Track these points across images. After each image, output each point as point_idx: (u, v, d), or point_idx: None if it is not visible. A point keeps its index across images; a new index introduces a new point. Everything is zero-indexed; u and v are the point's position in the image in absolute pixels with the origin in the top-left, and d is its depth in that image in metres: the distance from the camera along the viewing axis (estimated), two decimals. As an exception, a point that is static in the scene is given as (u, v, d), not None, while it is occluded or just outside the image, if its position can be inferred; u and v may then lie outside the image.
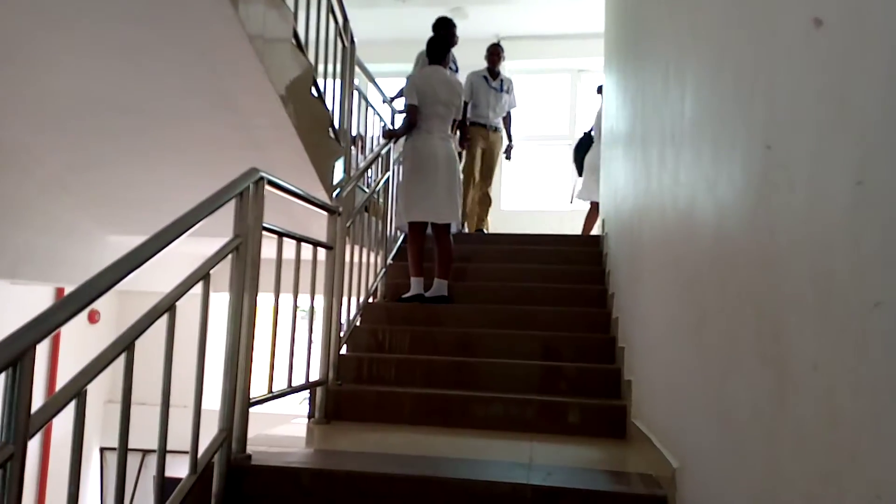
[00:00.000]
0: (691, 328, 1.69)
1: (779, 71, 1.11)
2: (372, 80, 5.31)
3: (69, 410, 1.46)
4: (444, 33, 4.50)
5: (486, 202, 5.70)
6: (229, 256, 2.01)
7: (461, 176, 4.20)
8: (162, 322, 1.73)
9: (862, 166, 0.82)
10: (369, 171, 4.30)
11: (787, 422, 1.03)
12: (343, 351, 3.35)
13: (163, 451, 1.76)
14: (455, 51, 5.57)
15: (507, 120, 5.80)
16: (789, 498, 1.01)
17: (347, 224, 3.18)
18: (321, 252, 2.81)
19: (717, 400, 1.43)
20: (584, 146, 5.78)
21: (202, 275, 1.88)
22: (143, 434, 2.08)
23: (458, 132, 4.71)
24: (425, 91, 3.97)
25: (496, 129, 5.67)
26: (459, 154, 4.93)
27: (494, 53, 5.73)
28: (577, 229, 5.93)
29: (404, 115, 4.09)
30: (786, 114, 1.08)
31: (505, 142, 5.84)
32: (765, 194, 1.15)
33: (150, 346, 1.79)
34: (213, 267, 1.92)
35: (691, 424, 1.67)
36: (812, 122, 0.97)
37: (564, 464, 2.27)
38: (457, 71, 5.28)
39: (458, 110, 4.11)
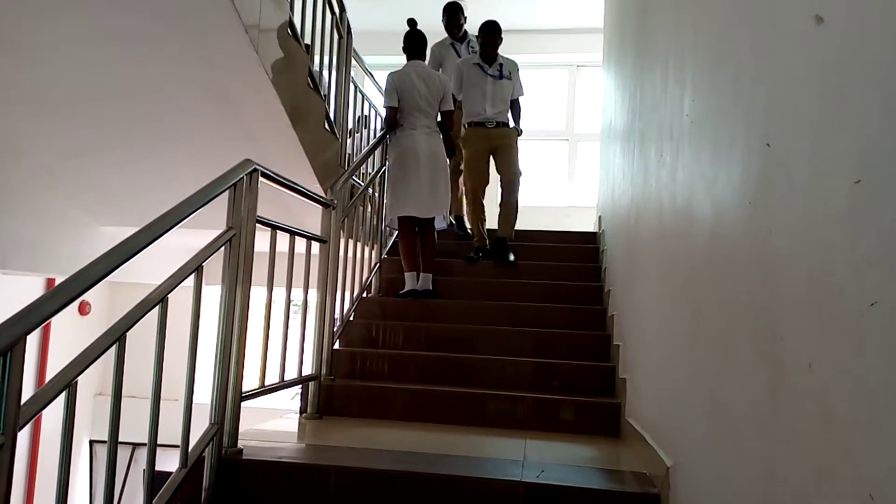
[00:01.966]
0: (686, 326, 1.69)
1: (778, 69, 1.11)
2: (368, 72, 5.29)
3: (59, 402, 1.45)
4: (445, 20, 4.63)
5: (510, 217, 4.39)
6: (222, 249, 2.00)
7: (448, 169, 4.13)
8: (153, 314, 1.72)
9: (861, 165, 0.81)
10: (365, 164, 4.28)
11: (781, 421, 1.03)
12: (336, 346, 3.34)
13: (153, 445, 1.75)
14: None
15: (514, 108, 4.58)
16: (783, 497, 1.01)
17: (342, 218, 3.16)
18: (315, 245, 2.80)
19: (711, 398, 1.43)
20: None
21: (195, 267, 1.87)
22: (134, 427, 2.07)
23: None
24: (404, 88, 3.99)
25: (499, 125, 4.44)
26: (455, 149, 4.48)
27: (489, 35, 4.43)
28: (573, 226, 5.92)
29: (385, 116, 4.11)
30: (785, 112, 1.08)
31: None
32: (763, 192, 1.15)
33: (141, 338, 1.78)
34: (206, 259, 1.91)
35: (685, 423, 1.67)
36: (811, 120, 0.97)
37: (558, 461, 2.27)
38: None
39: (444, 101, 4.06)
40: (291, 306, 2.58)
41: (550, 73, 7.79)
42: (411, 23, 4.29)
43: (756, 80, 1.22)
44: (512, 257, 4.30)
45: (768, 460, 1.07)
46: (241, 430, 2.11)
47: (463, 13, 5.04)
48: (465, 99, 4.52)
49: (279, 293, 2.42)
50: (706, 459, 1.46)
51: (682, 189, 1.80)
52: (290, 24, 3.27)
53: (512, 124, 4.60)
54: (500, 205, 4.48)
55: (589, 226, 5.66)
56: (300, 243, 2.62)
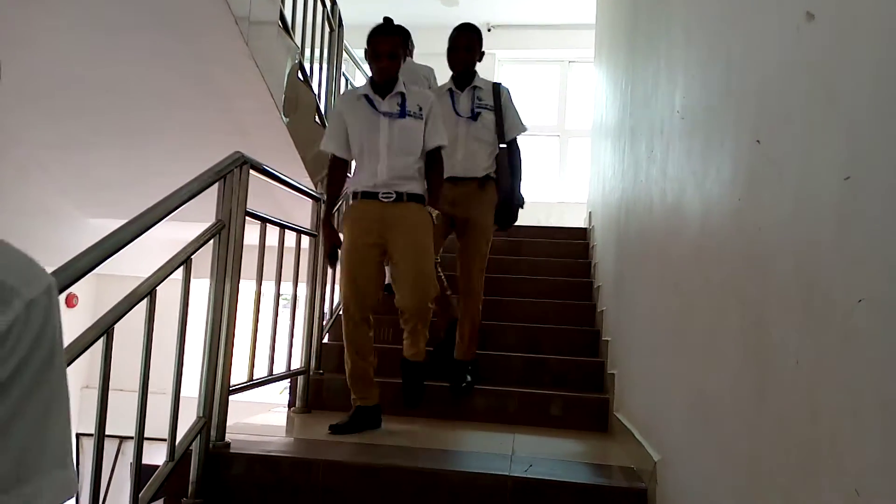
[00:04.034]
0: (675, 322, 1.70)
1: (769, 65, 1.11)
2: (359, 65, 5.27)
3: (44, 395, 1.44)
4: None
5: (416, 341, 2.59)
6: (211, 241, 1.99)
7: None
8: (141, 307, 1.70)
9: (849, 162, 0.82)
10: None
11: (767, 416, 1.03)
12: (325, 340, 3.33)
13: (140, 438, 1.74)
14: (442, 41, 5.49)
15: (431, 162, 2.58)
16: (769, 491, 1.02)
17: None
18: (305, 239, 2.79)
19: (698, 394, 1.44)
20: None
21: (183, 259, 1.85)
22: (121, 420, 2.05)
23: None
24: None
25: (399, 198, 2.47)
26: None
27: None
28: (563, 222, 5.93)
29: None
30: (775, 109, 1.08)
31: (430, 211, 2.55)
32: (752, 189, 1.15)
33: (128, 331, 1.76)
34: (195, 252, 1.89)
35: (673, 418, 1.68)
36: (801, 117, 0.97)
37: (546, 456, 2.28)
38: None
39: None
40: (280, 300, 2.57)
41: (542, 68, 7.80)
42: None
43: (747, 76, 1.22)
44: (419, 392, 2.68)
45: (755, 455, 1.08)
46: (228, 423, 2.10)
47: (480, 38, 3.04)
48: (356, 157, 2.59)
49: (268, 287, 2.41)
50: (693, 454, 1.47)
51: (672, 185, 1.81)
52: (281, 16, 3.25)
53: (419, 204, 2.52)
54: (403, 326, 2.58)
55: (579, 221, 5.68)
56: (290, 237, 2.61)
